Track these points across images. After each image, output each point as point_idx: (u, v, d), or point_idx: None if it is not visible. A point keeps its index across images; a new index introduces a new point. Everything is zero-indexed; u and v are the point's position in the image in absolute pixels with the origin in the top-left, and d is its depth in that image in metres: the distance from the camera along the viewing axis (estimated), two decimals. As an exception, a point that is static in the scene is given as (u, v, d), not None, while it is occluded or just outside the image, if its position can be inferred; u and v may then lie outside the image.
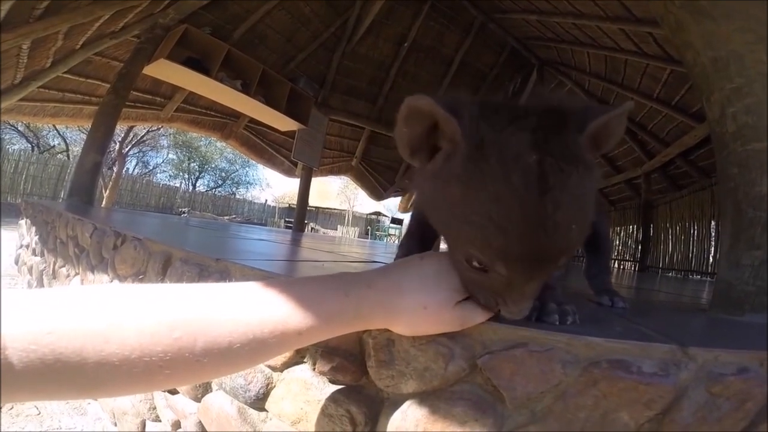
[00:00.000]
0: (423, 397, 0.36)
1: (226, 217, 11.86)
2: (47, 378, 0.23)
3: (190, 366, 0.27)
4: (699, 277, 4.31)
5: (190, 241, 1.07)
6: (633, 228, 5.72)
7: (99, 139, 3.19)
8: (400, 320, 0.35)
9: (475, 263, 0.31)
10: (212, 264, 0.61)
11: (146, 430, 0.87)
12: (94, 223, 1.04)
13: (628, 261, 5.80)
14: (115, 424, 1.01)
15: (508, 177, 0.28)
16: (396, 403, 0.38)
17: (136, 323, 0.26)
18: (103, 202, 9.34)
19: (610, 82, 4.66)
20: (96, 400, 1.05)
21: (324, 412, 0.42)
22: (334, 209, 17.99)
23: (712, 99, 0.70)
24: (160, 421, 0.82)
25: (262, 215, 16.20)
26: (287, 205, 15.97)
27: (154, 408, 0.81)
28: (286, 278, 0.34)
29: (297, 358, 0.49)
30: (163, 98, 4.39)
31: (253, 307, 0.30)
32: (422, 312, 0.34)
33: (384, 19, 4.67)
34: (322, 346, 0.44)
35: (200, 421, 0.61)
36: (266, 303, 0.31)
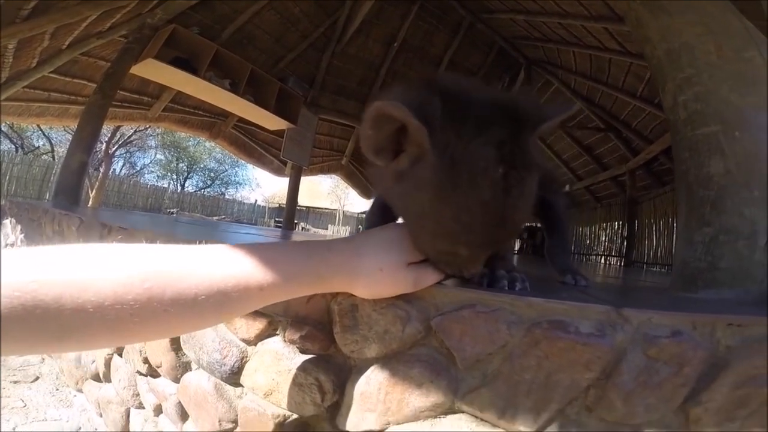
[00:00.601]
0: (384, 362, 0.39)
1: (215, 218, 11.77)
2: (27, 325, 0.25)
3: (158, 316, 0.30)
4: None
5: (176, 233, 1.08)
6: (618, 224, 5.82)
7: (85, 139, 3.16)
8: (358, 282, 0.37)
9: (439, 248, 0.36)
10: None
11: (130, 418, 0.89)
12: (80, 216, 1.05)
13: (613, 256, 5.91)
14: (101, 415, 1.03)
15: (477, 188, 0.31)
16: (361, 371, 0.41)
17: (112, 274, 0.28)
18: (90, 203, 9.21)
19: (595, 81, 4.75)
20: (69, 353, 1.04)
21: (294, 382, 0.44)
22: (325, 209, 17.94)
23: (666, 88, 0.74)
24: (143, 408, 0.84)
25: (252, 215, 16.10)
26: (277, 205, 15.88)
27: (138, 394, 0.83)
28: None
29: (270, 330, 0.51)
30: (151, 98, 4.36)
31: (218, 264, 0.33)
32: (379, 273, 0.37)
33: (373, 19, 4.69)
34: (292, 315, 0.47)
35: (179, 402, 0.63)
36: (231, 260, 0.34)
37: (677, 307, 0.39)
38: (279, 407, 0.46)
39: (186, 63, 3.50)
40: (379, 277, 0.37)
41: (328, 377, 0.43)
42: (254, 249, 0.35)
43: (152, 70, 3.48)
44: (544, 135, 0.38)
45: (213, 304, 0.32)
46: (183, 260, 0.32)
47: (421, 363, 0.37)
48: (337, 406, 0.43)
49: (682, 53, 0.71)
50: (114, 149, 11.97)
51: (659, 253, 4.92)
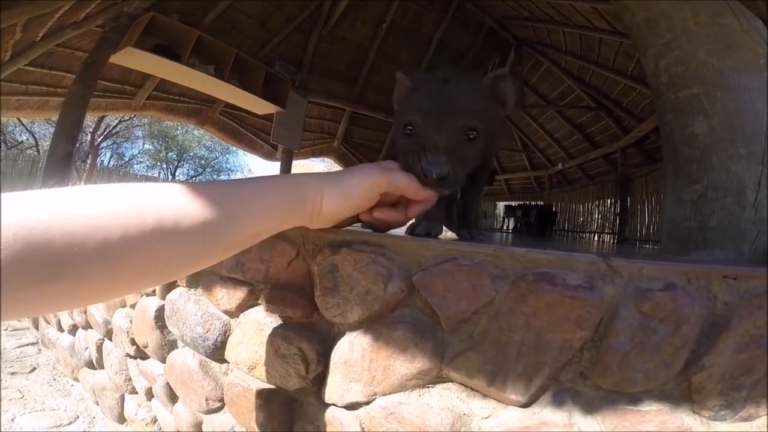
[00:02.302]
0: (368, 326, 0.38)
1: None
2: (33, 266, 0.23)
3: (146, 243, 0.28)
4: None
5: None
6: (611, 201, 5.86)
7: (69, 129, 3.09)
8: (330, 183, 0.37)
9: (407, 129, 0.45)
10: None
11: (125, 404, 0.89)
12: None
13: (607, 233, 5.97)
14: (97, 402, 1.02)
15: (426, 84, 0.49)
16: (346, 336, 0.39)
17: (113, 207, 0.27)
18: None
19: (586, 60, 4.73)
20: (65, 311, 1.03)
21: (277, 353, 0.43)
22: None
23: (647, 54, 0.77)
24: (136, 393, 0.83)
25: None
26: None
27: (130, 379, 0.82)
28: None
29: (251, 300, 0.50)
30: (134, 86, 4.25)
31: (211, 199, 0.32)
32: (356, 176, 0.39)
33: (361, 0, 4.58)
34: (273, 282, 0.45)
35: (167, 383, 0.62)
36: (222, 196, 0.33)
37: (669, 261, 0.37)
38: (263, 382, 0.45)
39: (168, 50, 3.40)
40: (346, 175, 0.39)
41: (312, 346, 0.41)
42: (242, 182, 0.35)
43: (133, 59, 3.39)
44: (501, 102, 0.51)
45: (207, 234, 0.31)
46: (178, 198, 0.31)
47: (405, 325, 0.35)
48: (322, 378, 0.42)
49: (660, 20, 0.73)
50: (99, 140, 11.73)
51: (651, 230, 4.98)
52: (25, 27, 2.94)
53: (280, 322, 0.46)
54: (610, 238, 5.76)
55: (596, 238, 6.14)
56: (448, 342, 0.34)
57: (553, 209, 6.72)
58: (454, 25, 5.16)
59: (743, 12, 0.71)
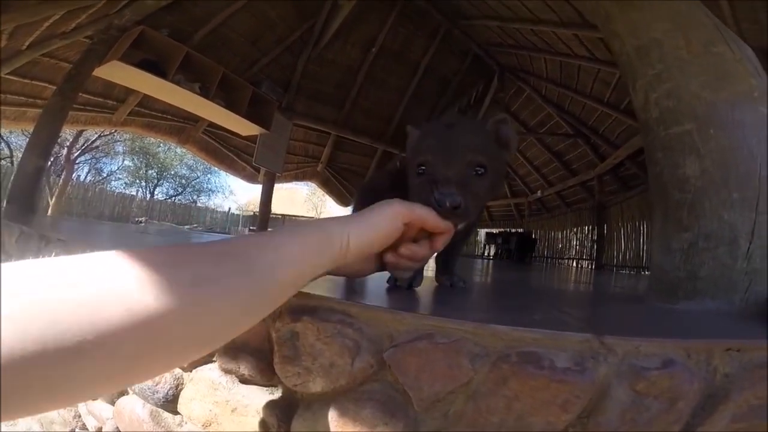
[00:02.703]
0: (333, 398, 0.33)
1: (186, 227, 11.41)
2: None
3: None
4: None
5: (126, 245, 0.99)
6: (588, 228, 5.97)
7: (42, 143, 2.98)
8: (355, 222, 0.38)
9: (419, 169, 0.49)
10: None
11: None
12: (20, 226, 0.95)
13: (584, 260, 6.04)
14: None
15: (434, 129, 0.53)
16: (310, 405, 0.35)
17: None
18: (49, 211, 8.76)
19: (565, 88, 4.88)
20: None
21: (234, 414, 0.38)
22: (302, 216, 17.68)
23: (636, 86, 0.72)
24: (87, 430, 0.76)
25: (225, 224, 15.67)
26: (252, 213, 15.51)
27: (80, 416, 0.75)
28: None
29: (205, 357, 0.45)
30: (116, 101, 4.18)
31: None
32: (377, 210, 0.40)
33: (352, 24, 4.65)
34: (228, 342, 0.40)
35: (117, 428, 0.56)
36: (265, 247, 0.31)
37: (665, 330, 0.34)
38: None
39: (154, 65, 3.36)
40: (371, 211, 0.40)
41: (272, 411, 0.36)
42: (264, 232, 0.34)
43: (117, 73, 3.34)
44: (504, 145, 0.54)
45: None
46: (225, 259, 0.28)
47: (374, 402, 0.31)
48: None
49: (651, 49, 0.69)
50: (76, 155, 11.44)
51: (628, 256, 5.07)
52: (12, 35, 2.88)
53: (237, 382, 0.41)
54: (587, 264, 5.83)
55: (575, 264, 6.21)
56: (421, 421, 0.30)
57: (533, 236, 6.79)
58: (442, 50, 5.29)
59: (734, 39, 0.68)
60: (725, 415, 0.30)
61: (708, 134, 0.60)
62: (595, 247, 5.55)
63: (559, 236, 6.85)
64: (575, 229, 6.41)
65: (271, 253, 0.30)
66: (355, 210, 0.76)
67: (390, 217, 0.40)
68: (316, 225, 0.36)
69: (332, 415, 0.32)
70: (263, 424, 0.37)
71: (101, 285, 0.23)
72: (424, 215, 0.42)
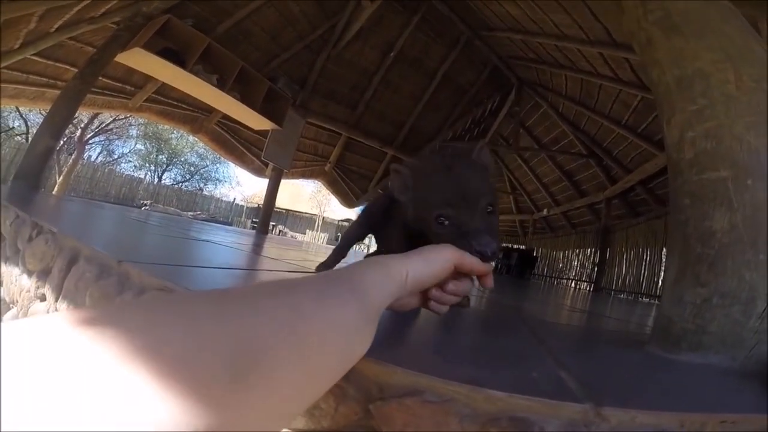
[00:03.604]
0: (315, 437, 0.33)
1: (189, 213, 11.45)
2: None
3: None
4: (648, 300, 4.51)
5: (114, 240, 0.99)
6: (591, 251, 5.93)
7: (56, 124, 3.02)
8: (413, 259, 0.41)
9: (440, 220, 0.50)
10: (114, 266, 0.56)
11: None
12: (16, 210, 0.95)
13: (583, 281, 6.00)
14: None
15: (433, 173, 0.53)
16: None
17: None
18: (55, 189, 8.84)
19: (583, 106, 4.85)
20: None
21: None
22: (305, 213, 17.70)
23: (672, 122, 0.66)
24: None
25: (229, 214, 15.74)
26: (256, 205, 15.54)
27: None
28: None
29: None
30: (134, 87, 4.22)
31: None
32: (423, 252, 0.43)
33: (373, 26, 4.67)
34: None
35: None
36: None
37: (665, 390, 0.34)
38: None
39: (175, 55, 3.40)
40: (427, 252, 0.43)
41: None
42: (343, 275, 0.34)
43: (138, 60, 3.37)
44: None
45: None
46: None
47: (358, 447, 0.31)
48: None
49: (695, 81, 0.63)
50: (90, 136, 11.55)
51: (627, 282, 5.03)
52: (42, 17, 2.92)
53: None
54: (586, 286, 5.79)
55: (573, 285, 6.17)
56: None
57: (534, 254, 6.76)
58: (461, 60, 5.29)
59: None
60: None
61: (745, 185, 0.55)
62: (596, 270, 5.51)
63: (561, 256, 6.81)
64: (577, 251, 6.36)
65: (373, 291, 0.33)
66: (359, 224, 0.80)
67: (444, 260, 0.43)
68: (375, 262, 0.38)
69: (314, 455, 0.32)
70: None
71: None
72: (474, 262, 0.45)
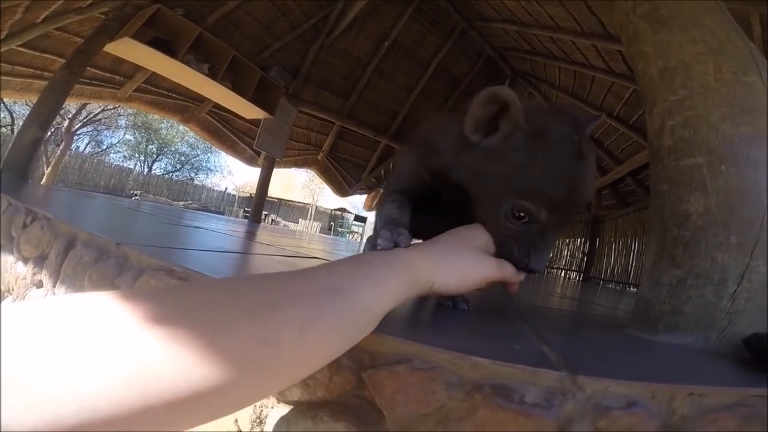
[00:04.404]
0: (309, 407, 0.34)
1: (181, 203, 11.37)
2: None
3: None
4: (635, 289, 4.60)
5: (110, 225, 0.99)
6: (580, 241, 6.01)
7: (44, 115, 2.97)
8: (441, 268, 0.37)
9: (519, 213, 0.41)
10: (112, 249, 0.56)
11: None
12: (9, 198, 0.95)
13: (573, 271, 6.09)
14: None
15: (559, 150, 0.40)
16: (286, 411, 0.35)
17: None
18: (43, 180, 8.73)
19: (576, 98, 4.86)
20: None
21: None
22: (298, 202, 17.63)
23: (654, 111, 0.68)
24: None
25: (220, 203, 15.64)
26: (248, 195, 15.43)
27: None
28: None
29: None
30: (123, 77, 4.16)
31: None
32: (459, 258, 0.38)
33: (367, 16, 4.63)
34: None
35: None
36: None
37: (642, 366, 0.36)
38: None
39: (165, 44, 3.36)
40: (460, 261, 0.38)
41: (248, 413, 0.37)
42: (351, 259, 0.33)
43: (127, 50, 3.33)
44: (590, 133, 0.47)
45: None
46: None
47: (349, 416, 0.32)
48: None
49: (677, 73, 0.65)
50: (77, 127, 11.37)
51: (615, 271, 5.12)
52: (28, 8, 2.87)
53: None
54: (576, 275, 5.88)
55: (563, 275, 6.26)
56: (396, 438, 0.31)
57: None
58: (455, 50, 5.26)
59: (765, 66, 0.64)
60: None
61: (719, 170, 0.57)
62: (585, 259, 5.58)
63: (551, 245, 6.88)
64: (567, 241, 6.44)
65: (372, 291, 0.30)
66: (378, 210, 0.57)
67: (481, 279, 0.39)
68: (404, 261, 0.35)
69: (306, 423, 0.33)
70: (237, 423, 0.38)
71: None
72: (512, 277, 0.41)
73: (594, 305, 1.41)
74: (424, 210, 0.54)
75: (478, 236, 0.42)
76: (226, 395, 0.20)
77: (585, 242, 5.79)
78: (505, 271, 0.41)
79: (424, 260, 0.36)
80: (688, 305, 0.55)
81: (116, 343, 0.18)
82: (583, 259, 5.74)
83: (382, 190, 0.66)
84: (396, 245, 0.39)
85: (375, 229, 0.51)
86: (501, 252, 0.42)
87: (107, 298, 0.21)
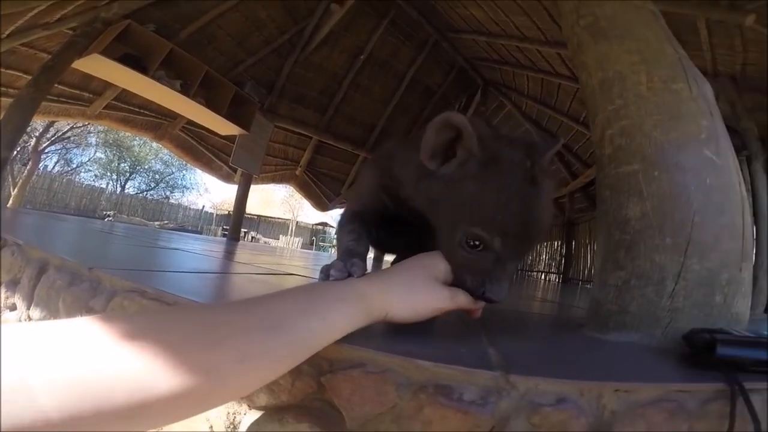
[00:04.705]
0: (275, 410, 0.36)
1: (156, 223, 11.09)
2: None
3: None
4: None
5: (82, 249, 0.98)
6: (557, 244, 6.18)
7: (9, 134, 2.88)
8: (394, 300, 0.38)
9: (473, 242, 0.40)
10: (85, 273, 0.58)
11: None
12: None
13: (552, 273, 6.24)
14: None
15: (512, 175, 0.40)
16: (256, 415, 0.37)
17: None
18: (10, 202, 8.40)
19: (543, 105, 5.05)
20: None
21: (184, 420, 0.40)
22: (278, 218, 17.44)
23: (596, 121, 0.71)
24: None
25: (198, 222, 15.32)
26: (227, 212, 15.19)
27: None
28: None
29: None
30: (93, 94, 4.07)
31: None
32: (413, 289, 0.40)
33: (342, 30, 4.68)
34: None
35: None
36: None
37: (570, 371, 0.39)
38: None
39: (135, 60, 3.32)
40: (413, 292, 0.39)
41: (221, 417, 0.39)
42: (297, 288, 0.35)
43: (96, 66, 3.28)
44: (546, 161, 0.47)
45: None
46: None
47: (312, 417, 0.34)
48: None
49: (615, 83, 0.68)
50: (45, 145, 11.01)
51: (592, 272, 5.26)
52: None
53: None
54: (555, 277, 6.02)
55: (543, 278, 6.40)
56: (357, 437, 0.34)
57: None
58: (428, 62, 5.37)
59: (695, 75, 0.67)
60: (608, 448, 0.34)
61: (652, 176, 0.60)
62: (563, 261, 5.74)
63: (530, 250, 7.05)
64: (545, 244, 6.61)
65: (317, 324, 0.32)
66: (338, 233, 0.58)
67: (434, 309, 0.40)
68: (357, 291, 0.37)
69: (273, 426, 0.35)
70: (211, 428, 0.40)
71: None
72: (467, 306, 0.42)
73: (569, 307, 1.45)
74: (389, 226, 0.56)
75: (434, 265, 0.42)
76: (175, 407, 0.25)
77: (562, 245, 5.95)
78: (458, 301, 0.41)
79: (377, 292, 0.38)
80: (633, 305, 0.59)
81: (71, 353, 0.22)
82: (561, 261, 5.89)
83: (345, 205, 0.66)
84: (350, 275, 0.40)
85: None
86: (455, 281, 0.42)
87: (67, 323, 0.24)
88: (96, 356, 0.22)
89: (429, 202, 0.46)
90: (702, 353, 0.45)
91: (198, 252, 1.45)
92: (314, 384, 0.35)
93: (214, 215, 16.46)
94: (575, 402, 0.34)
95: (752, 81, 2.93)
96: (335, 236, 0.63)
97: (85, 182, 13.72)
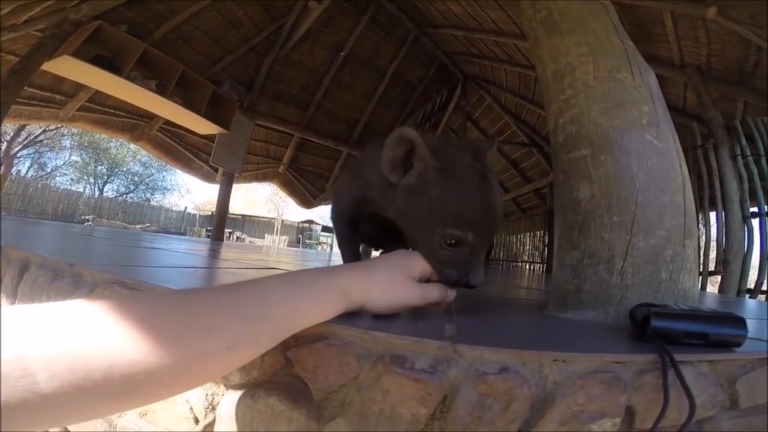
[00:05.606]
0: (249, 388, 0.39)
1: (138, 226, 10.88)
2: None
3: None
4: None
5: (63, 249, 0.99)
6: (540, 233, 6.31)
7: (-23, 138, 2.80)
8: (372, 291, 0.42)
9: (450, 240, 0.45)
10: (66, 268, 0.59)
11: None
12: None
13: (536, 263, 6.37)
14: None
15: (466, 177, 0.46)
16: (232, 395, 0.40)
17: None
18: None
19: (522, 98, 5.14)
20: None
21: (167, 402, 0.42)
22: (263, 217, 17.28)
23: (550, 110, 0.75)
24: None
25: (181, 224, 15.06)
26: (210, 213, 14.97)
27: None
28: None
29: None
30: (65, 96, 3.98)
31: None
32: (389, 284, 0.43)
33: (322, 26, 4.67)
34: None
35: None
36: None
37: (512, 342, 0.41)
38: (156, 427, 0.44)
39: (108, 61, 3.25)
40: (390, 288, 0.43)
41: (200, 399, 0.41)
42: (284, 277, 0.38)
43: (67, 68, 3.21)
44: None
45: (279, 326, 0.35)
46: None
47: (280, 390, 0.37)
48: (213, 426, 0.42)
49: (565, 74, 0.72)
50: (17, 149, 10.67)
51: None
52: None
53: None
54: (539, 266, 6.16)
55: (527, 267, 6.53)
56: (323, 407, 0.36)
57: (490, 240, 7.12)
58: (409, 57, 5.41)
59: (639, 64, 0.71)
60: (553, 418, 0.36)
61: (599, 160, 0.65)
62: (547, 250, 5.86)
63: (514, 240, 7.17)
64: (529, 234, 6.74)
65: (300, 319, 0.36)
66: (337, 236, 0.73)
67: (407, 304, 0.44)
68: (341, 287, 0.40)
69: (247, 402, 0.38)
70: (192, 410, 0.42)
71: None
72: (437, 299, 0.46)
73: (544, 293, 1.50)
74: (375, 225, 0.63)
75: (412, 266, 0.46)
76: (163, 387, 0.28)
77: (544, 234, 6.08)
78: (429, 297, 0.45)
79: (357, 286, 0.41)
80: (587, 283, 0.62)
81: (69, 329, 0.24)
82: (544, 250, 6.01)
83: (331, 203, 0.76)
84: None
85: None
86: (442, 278, 0.47)
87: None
88: (93, 335, 0.24)
89: (399, 212, 0.51)
90: (640, 327, 0.48)
91: (180, 251, 1.46)
92: (282, 359, 0.38)
93: (198, 216, 16.19)
94: (518, 371, 0.36)
95: (717, 72, 3.05)
96: (336, 238, 0.74)
97: (62, 186, 13.34)
